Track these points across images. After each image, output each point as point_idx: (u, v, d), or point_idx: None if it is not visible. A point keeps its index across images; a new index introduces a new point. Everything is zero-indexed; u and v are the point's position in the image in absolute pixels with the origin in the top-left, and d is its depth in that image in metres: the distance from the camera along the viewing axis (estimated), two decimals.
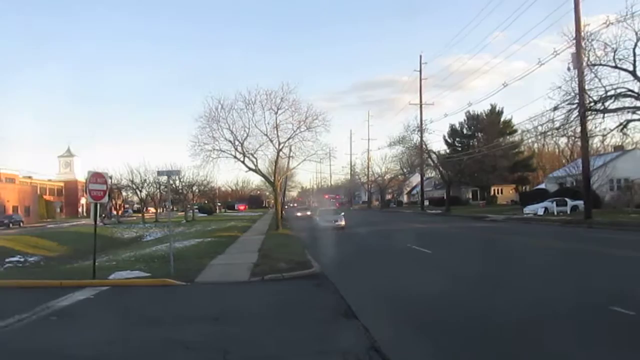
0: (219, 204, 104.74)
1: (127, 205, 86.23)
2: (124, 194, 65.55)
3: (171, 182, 46.61)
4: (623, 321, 7.77)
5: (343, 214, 36.84)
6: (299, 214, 59.69)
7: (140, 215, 70.51)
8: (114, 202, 64.72)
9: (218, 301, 11.29)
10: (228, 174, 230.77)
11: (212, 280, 14.05)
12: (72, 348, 7.59)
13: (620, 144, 50.53)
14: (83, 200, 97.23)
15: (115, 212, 67.47)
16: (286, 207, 69.81)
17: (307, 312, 9.72)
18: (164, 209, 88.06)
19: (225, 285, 13.35)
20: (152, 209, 76.23)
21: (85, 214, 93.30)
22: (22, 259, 27.95)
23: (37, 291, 13.20)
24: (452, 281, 12.37)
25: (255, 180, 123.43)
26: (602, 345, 6.84)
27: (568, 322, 7.89)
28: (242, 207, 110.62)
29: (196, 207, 74.84)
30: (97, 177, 14.70)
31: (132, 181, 58.65)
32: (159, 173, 20.59)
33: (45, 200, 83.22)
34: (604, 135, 30.17)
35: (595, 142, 37.35)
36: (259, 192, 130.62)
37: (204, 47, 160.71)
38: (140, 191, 60.94)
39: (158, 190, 62.72)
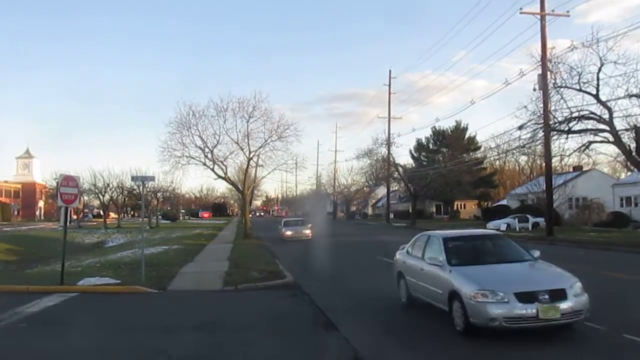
0: (183, 211, 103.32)
1: (87, 210, 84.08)
2: (85, 198, 63.78)
3: (139, 187, 45.80)
4: (595, 335, 8.04)
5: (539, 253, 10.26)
6: (289, 232, 33.11)
7: (100, 220, 68.83)
8: None
9: (195, 310, 11.14)
10: (192, 181, 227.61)
11: (185, 288, 13.89)
12: (48, 357, 7.36)
13: (578, 164, 52.54)
14: (41, 203, 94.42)
15: (75, 217, 65.63)
16: (250, 215, 69.24)
17: (287, 323, 9.70)
18: (126, 214, 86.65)
19: (199, 293, 13.22)
20: (112, 214, 74.54)
21: (42, 217, 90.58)
22: None
23: (1, 296, 12.77)
24: None
25: (221, 188, 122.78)
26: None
27: (547, 335, 8.08)
28: (206, 215, 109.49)
29: (159, 213, 73.57)
30: (68, 180, 14.39)
31: (94, 185, 57.24)
32: (134, 178, 20.19)
33: (1, 202, 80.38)
34: (567, 156, 31.20)
35: (554, 161, 38.56)
36: (223, 200, 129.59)
37: (170, 50, 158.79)
38: (103, 195, 59.46)
39: (121, 195, 61.40)
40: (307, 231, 32.99)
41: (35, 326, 9.57)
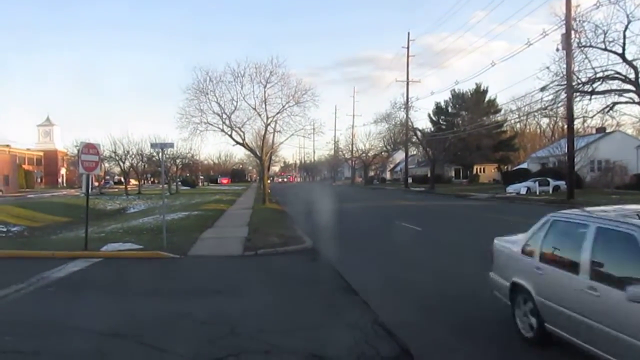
0: (202, 177, 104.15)
1: (107, 177, 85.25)
2: (106, 165, 64.64)
3: (158, 154, 46.23)
4: None
5: None
6: None
7: (121, 187, 69.81)
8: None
9: (216, 274, 11.32)
10: (211, 148, 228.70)
11: (206, 253, 14.07)
12: (77, 320, 7.52)
13: (602, 125, 51.38)
14: (63, 171, 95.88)
15: (96, 184, 66.61)
16: (269, 181, 69.56)
17: (307, 287, 9.81)
18: (146, 181, 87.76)
19: (220, 258, 13.38)
20: (133, 181, 75.50)
21: (65, 184, 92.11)
22: (4, 229, 27.50)
23: (27, 262, 13.08)
24: (444, 258, 12.56)
25: (239, 154, 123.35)
26: None
27: None
28: (225, 181, 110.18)
29: (179, 180, 74.31)
30: (89, 147, 14.52)
31: (114, 152, 57.91)
32: (153, 145, 20.26)
33: (24, 169, 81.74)
34: (590, 117, 30.51)
35: (577, 123, 37.83)
36: (241, 166, 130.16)
37: (186, 13, 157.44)
38: (123, 163, 60.18)
39: (141, 162, 62.03)
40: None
41: (62, 290, 9.80)
